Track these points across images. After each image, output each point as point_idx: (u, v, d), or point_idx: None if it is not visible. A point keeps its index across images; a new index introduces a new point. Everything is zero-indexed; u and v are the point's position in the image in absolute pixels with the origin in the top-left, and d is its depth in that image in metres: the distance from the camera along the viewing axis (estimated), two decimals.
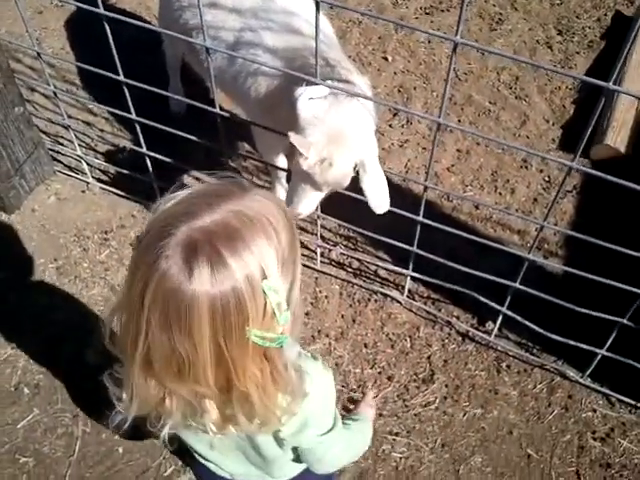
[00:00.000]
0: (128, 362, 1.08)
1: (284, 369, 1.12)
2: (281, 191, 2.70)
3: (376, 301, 2.53)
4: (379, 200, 1.98)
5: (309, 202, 2.07)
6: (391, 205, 2.11)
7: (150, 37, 3.08)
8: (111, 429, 2.21)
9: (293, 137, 1.85)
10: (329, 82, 1.93)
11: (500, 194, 2.86)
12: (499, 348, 2.43)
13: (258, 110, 2.28)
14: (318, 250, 2.57)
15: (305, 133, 1.91)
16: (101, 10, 2.03)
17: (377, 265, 2.61)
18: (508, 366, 2.40)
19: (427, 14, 3.56)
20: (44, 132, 2.96)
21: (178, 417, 1.14)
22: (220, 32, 2.21)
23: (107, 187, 2.82)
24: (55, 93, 2.59)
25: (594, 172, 1.79)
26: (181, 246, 0.98)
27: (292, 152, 1.93)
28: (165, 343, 1.01)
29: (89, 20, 3.44)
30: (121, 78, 2.23)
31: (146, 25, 2.03)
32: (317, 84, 1.89)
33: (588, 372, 2.33)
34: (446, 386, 2.36)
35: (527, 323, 2.31)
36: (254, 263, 1.00)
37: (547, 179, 2.91)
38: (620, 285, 1.95)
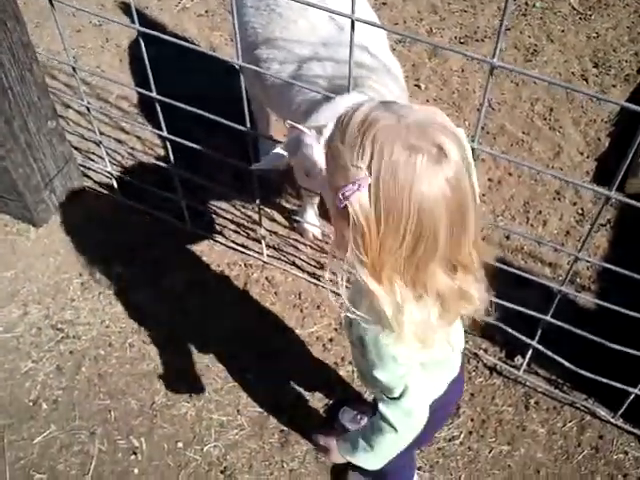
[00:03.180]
0: None
1: None
2: (310, 213, 2.67)
3: None
4: None
5: None
6: None
7: (185, 56, 3.12)
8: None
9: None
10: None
11: (532, 225, 2.80)
12: (528, 384, 2.36)
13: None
14: None
15: None
16: (137, 26, 2.04)
17: None
18: (537, 403, 2.32)
19: (462, 43, 3.55)
20: (76, 148, 2.98)
21: None
22: (289, 56, 2.21)
23: (135, 204, 2.82)
24: (88, 109, 2.61)
25: (632, 202, 1.74)
26: None
27: None
28: None
29: (126, 40, 3.50)
30: (154, 95, 2.24)
31: (182, 42, 2.03)
32: None
33: (620, 412, 2.24)
34: (472, 420, 2.29)
35: (558, 358, 2.24)
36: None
37: (580, 212, 2.85)
38: None
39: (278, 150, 1.88)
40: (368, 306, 1.19)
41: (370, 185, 1.05)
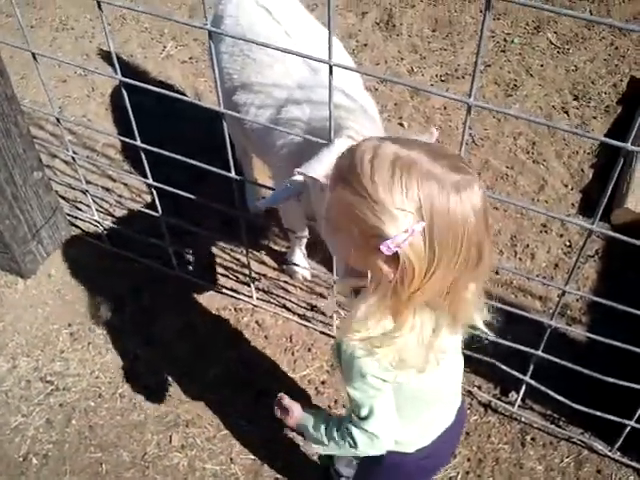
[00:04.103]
0: None
1: None
2: (299, 254, 2.67)
3: None
4: None
5: None
6: None
7: (170, 103, 3.14)
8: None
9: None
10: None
11: (520, 259, 2.81)
12: (523, 420, 2.34)
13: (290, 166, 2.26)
14: (335, 316, 2.53)
15: None
16: (119, 76, 2.06)
17: None
18: (533, 439, 2.30)
19: (443, 81, 3.60)
20: (63, 197, 2.99)
21: None
22: (266, 101, 2.23)
23: (123, 252, 2.82)
24: (74, 158, 2.62)
25: (615, 235, 1.76)
26: None
27: None
28: None
29: (111, 88, 3.53)
30: (138, 143, 2.26)
31: (163, 91, 2.05)
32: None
33: (617, 445, 2.22)
34: (468, 460, 2.26)
35: (552, 393, 2.22)
36: None
37: (568, 244, 2.86)
38: None
39: (288, 184, 1.87)
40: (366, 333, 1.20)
41: (424, 229, 1.05)
